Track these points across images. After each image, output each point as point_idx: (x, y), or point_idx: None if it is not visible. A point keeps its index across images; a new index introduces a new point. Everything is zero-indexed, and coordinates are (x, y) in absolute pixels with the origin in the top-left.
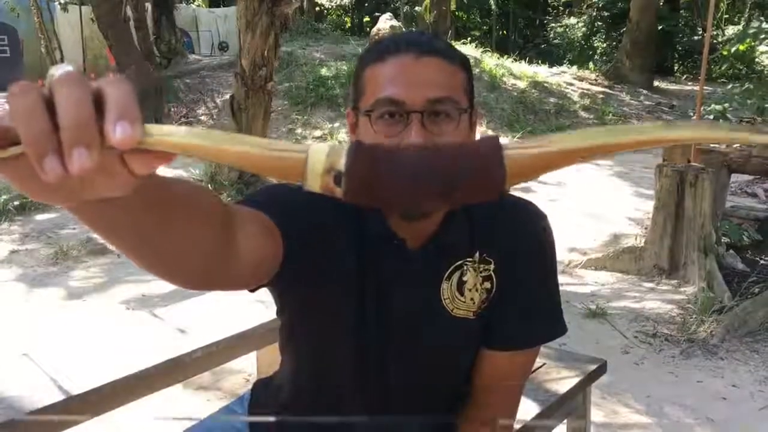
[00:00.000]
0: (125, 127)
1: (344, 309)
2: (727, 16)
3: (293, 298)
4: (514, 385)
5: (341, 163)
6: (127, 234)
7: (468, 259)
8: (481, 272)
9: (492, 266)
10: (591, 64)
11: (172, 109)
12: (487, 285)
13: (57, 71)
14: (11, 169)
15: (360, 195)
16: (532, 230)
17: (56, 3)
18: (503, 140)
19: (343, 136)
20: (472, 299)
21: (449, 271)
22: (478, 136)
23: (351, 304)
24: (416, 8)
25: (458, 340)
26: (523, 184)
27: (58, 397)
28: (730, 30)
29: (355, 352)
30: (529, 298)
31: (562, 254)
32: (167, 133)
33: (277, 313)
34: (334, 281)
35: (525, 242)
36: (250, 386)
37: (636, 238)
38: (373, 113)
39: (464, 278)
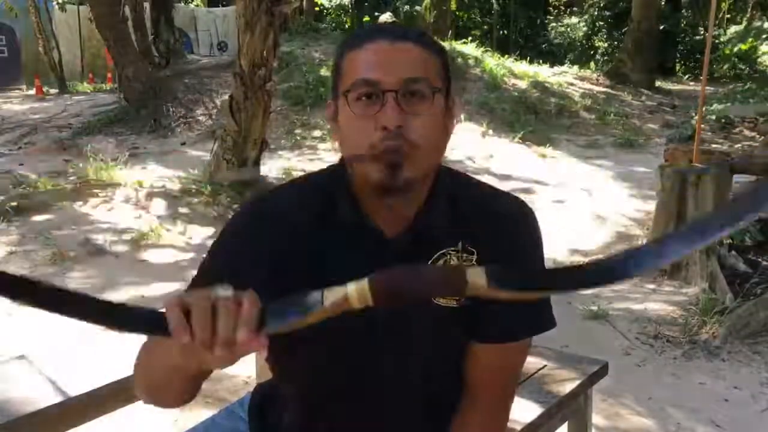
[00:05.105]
0: (245, 333)
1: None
2: (728, 15)
3: None
4: (506, 381)
5: (367, 288)
6: (168, 382)
7: (451, 249)
8: (463, 261)
9: (474, 257)
10: (592, 64)
11: (171, 110)
12: None
13: (221, 292)
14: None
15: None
16: (516, 224)
17: (54, 3)
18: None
19: None
20: None
21: (432, 259)
22: (472, 130)
23: None
24: (416, 8)
25: (444, 328)
26: (525, 185)
27: (57, 399)
28: (732, 29)
29: (346, 347)
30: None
31: (563, 255)
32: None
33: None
34: (315, 284)
35: (509, 236)
36: (249, 388)
37: (638, 239)
38: (350, 94)
39: None
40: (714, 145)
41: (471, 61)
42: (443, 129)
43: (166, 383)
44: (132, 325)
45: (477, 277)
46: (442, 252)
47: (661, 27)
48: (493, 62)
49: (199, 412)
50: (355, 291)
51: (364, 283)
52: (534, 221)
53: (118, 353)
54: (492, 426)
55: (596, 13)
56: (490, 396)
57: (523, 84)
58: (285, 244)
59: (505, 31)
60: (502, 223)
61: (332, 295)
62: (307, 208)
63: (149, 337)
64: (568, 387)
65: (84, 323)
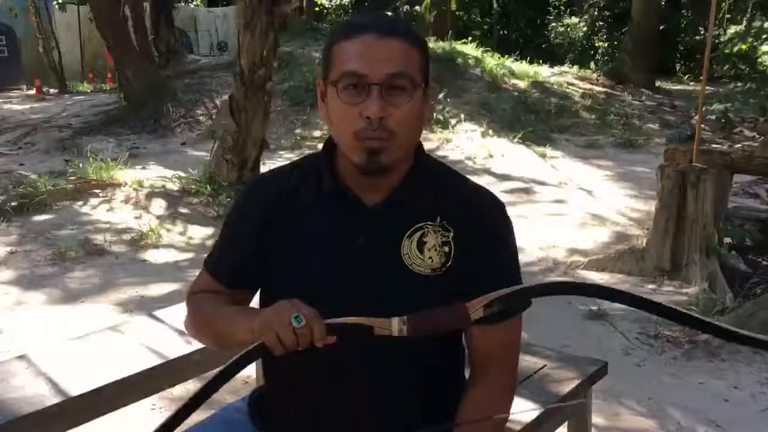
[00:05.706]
0: (321, 342)
1: (311, 270)
2: (728, 15)
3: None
4: (507, 355)
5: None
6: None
7: (429, 222)
8: (441, 235)
9: (451, 234)
10: (592, 64)
11: (171, 110)
12: (446, 249)
13: (295, 323)
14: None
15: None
16: (490, 214)
17: (54, 3)
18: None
19: None
20: (430, 258)
21: (411, 230)
22: (472, 130)
23: (316, 264)
24: (416, 8)
25: (419, 294)
26: (525, 185)
27: (57, 399)
28: (732, 29)
29: (330, 309)
30: (487, 274)
31: (563, 255)
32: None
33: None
34: (298, 243)
35: (484, 223)
36: (249, 388)
37: (638, 239)
38: (339, 84)
39: (425, 239)
40: (714, 145)
41: (471, 61)
42: (420, 115)
43: (221, 343)
44: (247, 362)
45: (476, 310)
46: (420, 225)
47: (661, 27)
48: (493, 62)
49: (198, 412)
50: (397, 327)
51: (404, 322)
52: (506, 214)
53: (118, 353)
54: (500, 397)
55: (596, 13)
56: (494, 371)
57: (523, 84)
58: (274, 209)
59: (505, 31)
60: (478, 210)
61: (379, 327)
62: (297, 179)
63: (204, 304)
64: (568, 387)
65: (88, 324)
